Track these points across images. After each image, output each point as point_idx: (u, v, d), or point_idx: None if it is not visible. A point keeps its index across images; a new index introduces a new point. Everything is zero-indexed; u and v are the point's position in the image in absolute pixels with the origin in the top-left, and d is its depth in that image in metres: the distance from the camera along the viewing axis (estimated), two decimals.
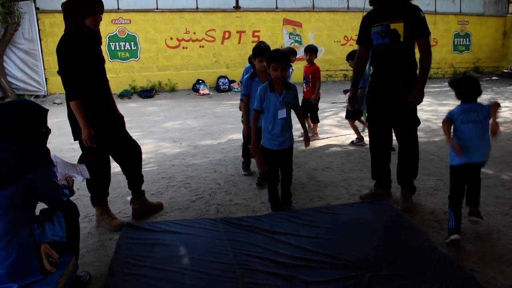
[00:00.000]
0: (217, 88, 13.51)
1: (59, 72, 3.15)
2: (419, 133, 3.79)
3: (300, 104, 4.10)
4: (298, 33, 14.64)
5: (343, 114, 8.75)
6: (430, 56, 3.57)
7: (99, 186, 3.49)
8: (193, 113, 9.74)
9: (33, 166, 2.18)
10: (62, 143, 6.49)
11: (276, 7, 14.28)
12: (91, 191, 3.55)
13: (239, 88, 8.63)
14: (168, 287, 2.54)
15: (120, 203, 4.06)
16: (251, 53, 4.77)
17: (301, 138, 6.27)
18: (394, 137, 3.91)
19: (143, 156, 3.82)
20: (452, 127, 3.17)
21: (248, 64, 5.08)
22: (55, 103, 11.40)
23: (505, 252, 2.97)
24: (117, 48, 12.92)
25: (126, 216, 3.77)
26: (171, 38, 13.37)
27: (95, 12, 3.16)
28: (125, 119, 3.68)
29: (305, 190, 4.29)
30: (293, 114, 3.60)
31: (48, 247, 2.19)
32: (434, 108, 9.44)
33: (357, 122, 6.33)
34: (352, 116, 6.26)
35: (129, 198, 3.93)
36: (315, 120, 6.58)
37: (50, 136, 2.46)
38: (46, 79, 12.18)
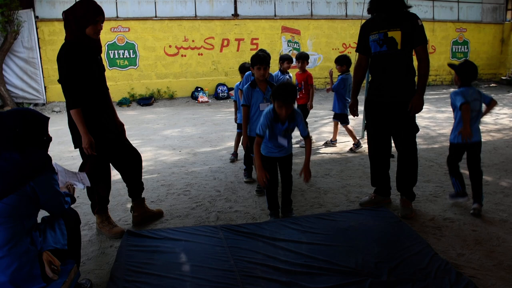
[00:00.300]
0: (216, 96, 13.55)
1: (59, 80, 3.16)
2: (418, 140, 3.81)
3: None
4: (296, 40, 14.71)
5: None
6: (428, 64, 3.60)
7: (99, 193, 3.49)
8: (192, 120, 9.76)
9: (35, 174, 2.19)
10: (62, 151, 6.50)
11: (275, 15, 14.36)
12: (91, 199, 3.55)
13: (233, 97, 8.58)
14: None
15: (120, 211, 4.06)
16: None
17: (300, 147, 6.30)
18: (393, 144, 3.93)
19: (143, 164, 3.83)
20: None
21: (248, 71, 5.10)
22: (54, 111, 11.42)
23: (505, 258, 2.98)
24: (116, 56, 12.96)
25: (127, 223, 3.77)
26: (170, 46, 13.43)
27: (95, 21, 3.18)
28: (124, 127, 3.69)
29: (305, 197, 4.30)
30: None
31: (50, 254, 2.19)
32: (432, 115, 9.47)
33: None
34: (338, 118, 6.44)
35: (129, 205, 3.94)
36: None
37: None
38: (45, 87, 12.21)
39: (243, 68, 5.53)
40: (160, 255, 3.01)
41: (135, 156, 3.65)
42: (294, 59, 6.42)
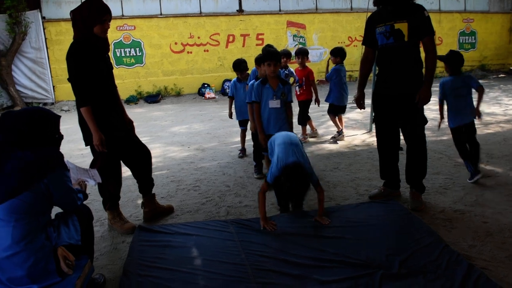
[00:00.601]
0: (223, 92, 13.58)
1: (69, 79, 3.19)
2: (426, 132, 3.79)
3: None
4: (302, 35, 14.69)
5: (349, 114, 8.81)
6: (435, 55, 3.58)
7: (110, 190, 3.53)
8: (199, 117, 9.80)
9: (48, 171, 2.22)
10: (71, 149, 6.57)
11: (280, 10, 14.34)
12: (102, 195, 3.60)
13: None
14: (181, 287, 2.56)
15: (131, 207, 4.10)
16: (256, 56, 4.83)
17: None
18: (402, 137, 3.92)
19: (152, 160, 3.85)
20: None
21: (254, 67, 5.10)
22: (63, 110, 11.51)
23: None
24: (123, 54, 13.03)
25: (138, 219, 3.80)
26: (176, 43, 13.46)
27: (102, 20, 3.20)
28: (133, 124, 3.72)
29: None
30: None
31: (65, 249, 2.23)
32: None
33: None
34: (333, 111, 6.52)
35: (139, 201, 3.97)
36: (304, 122, 6.57)
37: None
38: (53, 86, 12.32)
39: (240, 66, 5.52)
40: (172, 250, 3.04)
41: (145, 153, 3.68)
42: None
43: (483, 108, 9.19)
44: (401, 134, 3.90)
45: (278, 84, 4.20)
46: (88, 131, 3.22)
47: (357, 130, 7.29)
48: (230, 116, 5.88)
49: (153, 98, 12.93)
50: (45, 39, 12.14)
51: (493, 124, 7.42)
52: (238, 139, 6.23)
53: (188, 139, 7.29)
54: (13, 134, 2.21)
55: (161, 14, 13.21)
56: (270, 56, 4.07)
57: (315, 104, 6.41)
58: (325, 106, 6.88)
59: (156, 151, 6.28)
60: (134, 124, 3.74)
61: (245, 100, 4.98)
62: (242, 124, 5.72)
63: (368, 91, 4.02)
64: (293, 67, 6.43)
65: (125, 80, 12.83)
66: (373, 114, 4.12)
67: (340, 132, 6.61)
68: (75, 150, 6.58)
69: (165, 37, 13.33)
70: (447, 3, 15.99)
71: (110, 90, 3.42)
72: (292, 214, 3.64)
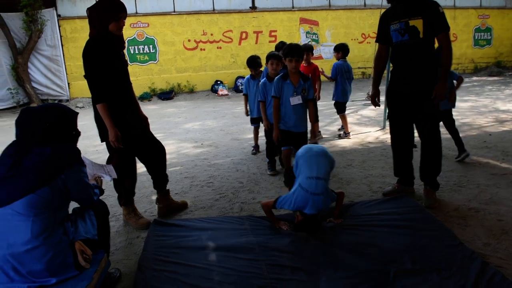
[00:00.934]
0: (236, 89, 13.60)
1: (85, 76, 3.23)
2: (441, 130, 3.77)
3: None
4: (315, 31, 14.64)
5: (363, 112, 8.78)
6: (450, 51, 3.54)
7: (125, 186, 3.57)
8: (212, 113, 9.84)
9: (65, 167, 2.26)
10: (86, 146, 6.65)
11: (293, 7, 14.30)
12: (118, 191, 3.64)
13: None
14: (196, 282, 2.59)
15: (145, 203, 4.15)
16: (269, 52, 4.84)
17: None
18: (415, 134, 3.90)
19: (166, 156, 3.89)
20: None
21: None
22: (78, 107, 11.64)
23: None
24: (136, 52, 13.13)
25: (152, 215, 3.85)
26: (189, 40, 13.52)
27: (118, 17, 3.23)
28: (148, 120, 3.76)
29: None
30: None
31: (82, 244, 2.27)
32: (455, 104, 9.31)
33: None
34: (336, 107, 6.59)
35: (154, 197, 4.02)
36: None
37: None
38: (68, 83, 12.46)
39: (254, 62, 5.54)
40: (188, 244, 3.07)
41: (159, 149, 3.72)
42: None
43: (499, 105, 9.07)
44: (415, 131, 3.88)
45: (299, 79, 4.07)
46: (104, 128, 3.27)
47: (371, 127, 7.26)
48: (247, 114, 5.87)
49: (167, 95, 13.01)
50: (60, 36, 12.29)
51: (509, 121, 7.32)
52: (251, 135, 6.25)
53: (202, 135, 7.33)
54: (32, 130, 2.26)
55: (174, 11, 13.27)
56: (292, 51, 3.95)
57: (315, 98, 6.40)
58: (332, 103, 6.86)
59: (170, 148, 6.32)
60: (149, 120, 3.78)
61: (257, 98, 5.00)
62: (254, 121, 5.73)
63: (382, 88, 4.00)
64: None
65: (139, 77, 12.92)
66: (387, 111, 4.10)
67: (346, 134, 6.60)
68: (90, 146, 6.66)
69: (178, 34, 13.39)
70: None
71: (125, 87, 3.46)
72: None
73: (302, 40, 14.33)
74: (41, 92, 12.22)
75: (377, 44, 4.00)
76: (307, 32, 14.55)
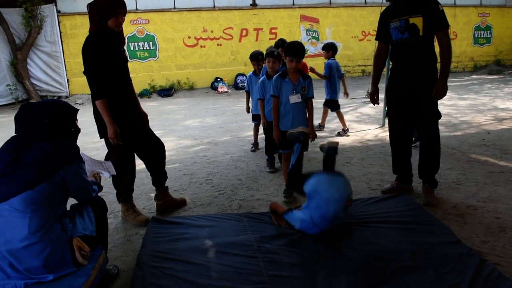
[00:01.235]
0: (236, 86, 13.60)
1: (84, 72, 3.23)
2: (440, 128, 3.77)
3: None
4: (315, 29, 14.62)
5: (362, 109, 8.78)
6: (450, 49, 3.55)
7: (124, 182, 3.58)
8: (212, 110, 9.83)
9: (64, 163, 2.26)
10: (85, 142, 6.64)
11: (293, 4, 14.28)
12: (116, 188, 3.64)
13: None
14: (194, 279, 2.60)
15: (144, 199, 4.15)
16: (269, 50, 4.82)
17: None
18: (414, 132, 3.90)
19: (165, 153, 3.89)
20: None
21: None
22: (77, 103, 11.63)
23: None
24: (136, 48, 13.12)
25: (151, 212, 3.85)
26: (189, 37, 13.51)
27: (117, 13, 3.22)
28: (147, 117, 3.76)
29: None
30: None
31: (80, 240, 2.28)
32: (454, 102, 9.33)
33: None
34: (328, 105, 6.61)
35: (153, 194, 4.02)
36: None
37: None
38: (68, 80, 12.46)
39: (257, 56, 5.54)
40: (185, 242, 3.08)
41: (159, 146, 3.72)
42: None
43: (498, 104, 9.08)
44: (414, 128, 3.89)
45: (298, 78, 3.93)
46: (103, 124, 3.27)
47: (370, 125, 7.27)
48: (248, 110, 5.86)
49: (166, 91, 13.01)
50: (60, 33, 12.28)
51: (507, 119, 7.32)
52: (251, 133, 6.25)
53: (201, 132, 7.33)
54: (32, 126, 2.26)
55: (174, 8, 13.25)
56: (293, 52, 3.80)
57: None
58: (340, 101, 6.85)
59: (169, 145, 6.32)
60: (148, 117, 3.77)
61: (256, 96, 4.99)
62: (255, 118, 5.73)
63: (381, 86, 4.00)
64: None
65: (139, 74, 12.91)
66: (386, 109, 4.10)
67: (345, 131, 6.64)
68: (89, 142, 6.66)
69: (179, 31, 13.37)
70: None
71: (125, 83, 3.45)
72: None
73: (302, 37, 14.32)
74: (40, 89, 12.21)
75: (377, 42, 4.00)
76: (308, 30, 14.54)
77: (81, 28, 12.13)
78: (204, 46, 13.69)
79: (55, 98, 11.95)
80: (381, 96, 4.07)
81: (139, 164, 3.84)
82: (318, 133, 6.42)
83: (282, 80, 3.95)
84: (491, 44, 16.62)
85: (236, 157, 5.55)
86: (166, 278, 2.63)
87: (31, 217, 2.11)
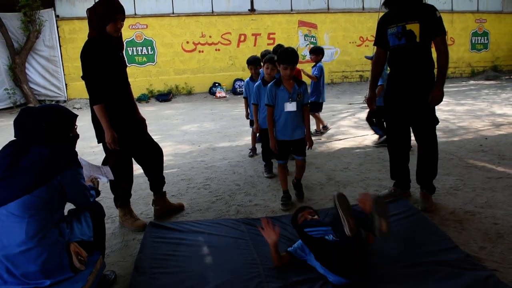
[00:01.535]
0: (234, 91, 13.62)
1: (83, 77, 3.23)
2: (437, 133, 3.78)
3: None
4: (313, 34, 14.66)
5: (360, 115, 8.79)
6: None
7: (122, 187, 3.57)
8: (210, 115, 9.84)
9: (62, 168, 2.26)
10: (83, 147, 6.63)
11: (291, 9, 14.33)
12: (114, 193, 3.64)
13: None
14: (192, 285, 2.59)
15: (142, 204, 4.14)
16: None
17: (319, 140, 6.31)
18: (412, 138, 3.91)
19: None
20: None
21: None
22: (75, 108, 11.62)
23: None
24: (135, 53, 13.13)
25: (148, 217, 3.84)
26: (187, 42, 13.53)
27: (115, 19, 3.22)
28: (146, 122, 3.76)
29: (324, 191, 4.31)
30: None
31: (77, 245, 2.27)
32: (452, 108, 9.36)
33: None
34: (312, 107, 6.58)
35: (150, 199, 4.01)
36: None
37: None
38: (66, 84, 12.45)
39: (255, 61, 5.56)
40: (184, 247, 3.06)
41: (157, 151, 3.71)
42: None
43: (495, 109, 9.11)
44: (411, 134, 3.89)
45: (293, 85, 3.83)
46: (101, 129, 3.26)
47: (368, 130, 7.26)
48: (248, 116, 5.85)
49: (164, 96, 13.01)
50: (59, 37, 12.29)
51: (505, 125, 7.35)
52: (249, 138, 6.26)
53: (199, 137, 7.33)
54: (30, 130, 2.26)
55: (173, 13, 13.28)
56: (287, 59, 3.69)
57: None
58: (336, 106, 6.87)
59: (167, 150, 6.32)
60: (146, 122, 3.77)
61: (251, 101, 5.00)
62: (253, 124, 5.73)
63: None
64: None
65: (137, 79, 12.91)
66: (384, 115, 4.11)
67: (325, 127, 7.03)
68: (87, 147, 6.65)
69: (177, 36, 13.40)
70: (459, 3, 15.85)
71: (123, 88, 3.46)
72: None
73: (300, 43, 14.37)
74: (38, 93, 12.20)
75: (375, 47, 4.01)
76: (306, 35, 14.58)
77: (79, 33, 12.14)
78: (202, 51, 13.71)
79: (53, 102, 11.95)
80: None
81: (137, 169, 3.84)
82: (316, 138, 6.44)
83: (277, 89, 3.83)
84: (488, 50, 16.70)
85: (234, 162, 5.54)
86: (165, 283, 2.62)
87: (29, 222, 2.11)
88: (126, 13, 3.38)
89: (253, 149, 5.87)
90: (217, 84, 13.63)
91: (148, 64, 13.32)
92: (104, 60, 3.23)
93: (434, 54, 3.59)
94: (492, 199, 3.88)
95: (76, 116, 2.51)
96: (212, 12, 13.61)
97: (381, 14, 3.98)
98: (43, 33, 11.94)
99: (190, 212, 3.93)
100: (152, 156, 3.69)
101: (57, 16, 12.25)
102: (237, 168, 5.26)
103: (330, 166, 5.17)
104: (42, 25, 11.78)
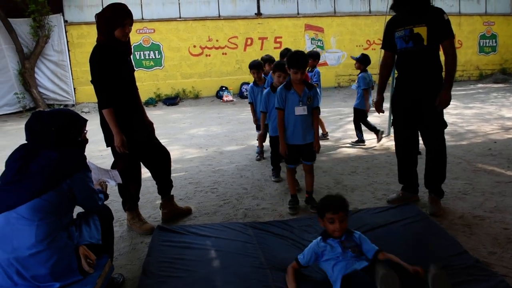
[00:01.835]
0: (241, 95, 13.63)
1: (92, 81, 3.26)
2: (445, 137, 3.75)
3: None
4: (320, 38, 14.66)
5: (368, 118, 8.75)
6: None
7: (130, 191, 3.59)
8: (217, 119, 9.86)
9: (71, 172, 2.28)
10: (91, 151, 6.67)
11: (298, 13, 14.34)
12: (122, 196, 3.66)
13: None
14: None
15: (149, 208, 4.16)
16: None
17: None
18: (420, 141, 3.89)
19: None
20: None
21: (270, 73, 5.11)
22: (83, 112, 11.69)
23: None
24: (142, 57, 13.20)
25: (156, 220, 3.86)
26: (194, 46, 13.58)
27: (123, 24, 3.25)
28: (153, 126, 3.78)
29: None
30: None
31: (86, 249, 2.28)
32: (460, 111, 9.30)
33: None
34: None
35: (158, 203, 4.02)
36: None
37: None
38: (74, 88, 12.54)
39: (258, 65, 5.57)
40: (191, 251, 3.07)
41: (164, 154, 3.73)
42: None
43: (504, 113, 9.04)
44: (419, 138, 3.88)
45: (303, 88, 3.78)
46: (110, 133, 3.29)
47: (375, 134, 7.24)
48: (256, 122, 5.82)
49: (172, 100, 13.06)
50: (67, 42, 12.39)
51: None
52: (256, 142, 6.26)
53: (206, 141, 7.35)
54: (40, 134, 2.28)
55: (180, 17, 13.34)
56: (298, 64, 3.67)
57: None
58: (342, 110, 6.86)
59: (175, 153, 6.34)
60: (154, 126, 3.79)
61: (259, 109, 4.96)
62: (260, 128, 5.74)
63: (387, 95, 4.00)
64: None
65: (144, 83, 12.97)
66: (392, 118, 4.10)
67: (325, 135, 6.96)
68: (95, 151, 6.69)
69: (184, 40, 13.45)
70: (467, 5, 15.77)
71: (131, 92, 3.48)
72: (309, 218, 3.65)
73: (307, 46, 14.36)
74: (47, 97, 12.30)
75: (383, 50, 4.01)
76: (312, 39, 14.58)
77: (87, 38, 12.23)
78: (209, 55, 13.76)
79: (62, 106, 12.04)
80: (386, 105, 4.06)
81: (145, 173, 3.85)
82: (323, 143, 6.43)
83: (287, 92, 3.79)
84: (496, 53, 16.58)
85: (242, 166, 5.55)
86: (171, 287, 2.62)
87: (38, 225, 2.13)
88: (134, 17, 3.41)
89: (261, 153, 5.87)
90: (224, 88, 13.66)
91: (155, 68, 13.39)
92: (113, 64, 3.26)
93: (442, 57, 3.58)
94: (502, 203, 3.85)
95: (86, 120, 2.53)
96: (219, 16, 13.66)
97: (388, 17, 3.97)
98: (52, 38, 12.05)
99: (198, 215, 3.93)
100: (159, 160, 3.70)
101: (65, 21, 12.36)
102: (244, 172, 5.26)
103: (338, 169, 5.15)
104: (51, 30, 11.89)
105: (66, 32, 12.33)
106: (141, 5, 12.91)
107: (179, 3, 13.26)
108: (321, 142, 6.22)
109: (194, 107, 12.35)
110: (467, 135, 6.93)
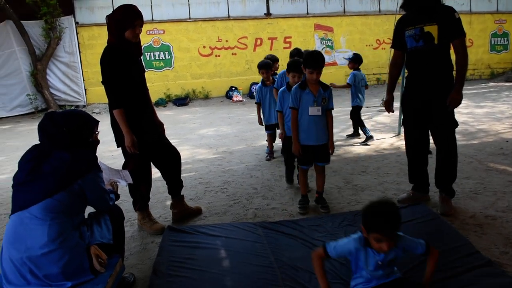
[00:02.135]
0: (250, 95, 13.65)
1: (103, 82, 3.28)
2: (456, 136, 3.72)
3: None
4: (329, 38, 14.62)
5: (377, 118, 8.73)
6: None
7: (141, 191, 3.61)
8: (227, 119, 9.88)
9: (83, 173, 2.30)
10: (102, 151, 6.72)
11: (307, 13, 14.32)
12: (133, 196, 3.68)
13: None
14: None
15: (160, 208, 4.18)
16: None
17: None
18: (431, 141, 3.86)
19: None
20: None
21: (283, 70, 5.08)
22: (94, 112, 11.80)
23: None
24: (152, 58, 13.28)
25: (166, 220, 3.88)
26: (204, 47, 13.63)
27: (133, 25, 3.27)
28: (164, 126, 3.80)
29: (342, 195, 4.29)
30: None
31: (98, 248, 2.30)
32: (471, 111, 9.22)
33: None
34: None
35: (168, 203, 4.05)
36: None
37: None
38: (85, 89, 12.66)
39: (267, 65, 5.57)
40: (201, 251, 3.08)
41: (175, 155, 3.75)
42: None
43: None
44: (430, 137, 3.85)
45: (319, 89, 3.73)
46: (120, 133, 3.31)
47: (385, 134, 7.22)
48: (261, 123, 5.85)
49: (182, 101, 13.13)
50: (78, 43, 12.52)
51: None
52: (266, 142, 6.26)
53: (216, 141, 7.37)
54: (52, 134, 2.31)
55: (190, 18, 13.40)
56: (314, 63, 3.62)
57: None
58: (347, 109, 6.86)
59: (185, 154, 6.37)
60: (164, 126, 3.81)
61: (276, 108, 4.92)
62: (269, 128, 5.75)
63: (396, 94, 3.98)
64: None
65: (154, 83, 13.05)
66: (402, 117, 4.07)
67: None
68: (106, 151, 6.74)
69: (194, 40, 13.51)
70: (478, 4, 15.62)
71: (142, 93, 3.50)
72: (319, 218, 3.64)
73: (316, 46, 14.34)
74: (58, 98, 12.44)
75: (392, 50, 3.99)
76: (322, 38, 14.55)
77: (98, 39, 12.34)
78: (219, 56, 13.80)
79: (73, 107, 12.17)
80: (396, 104, 4.04)
81: (155, 173, 3.88)
82: None
83: (302, 92, 3.74)
84: (508, 51, 16.40)
85: (251, 166, 5.56)
86: (182, 286, 2.64)
87: (50, 225, 2.15)
88: (144, 18, 3.43)
89: (270, 153, 5.87)
90: (233, 88, 13.69)
91: (165, 68, 13.46)
92: (123, 65, 3.28)
93: (453, 56, 3.55)
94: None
95: (97, 121, 2.55)
96: (228, 16, 13.69)
97: (398, 16, 3.95)
98: (63, 39, 12.19)
99: (208, 215, 3.95)
100: (170, 160, 3.72)
101: (76, 23, 12.49)
102: (254, 172, 5.27)
103: (348, 169, 5.14)
104: (63, 32, 12.03)
105: (77, 33, 12.46)
106: (151, 6, 12.99)
107: (188, 4, 13.32)
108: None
109: (204, 108, 12.39)
110: (478, 134, 6.87)
